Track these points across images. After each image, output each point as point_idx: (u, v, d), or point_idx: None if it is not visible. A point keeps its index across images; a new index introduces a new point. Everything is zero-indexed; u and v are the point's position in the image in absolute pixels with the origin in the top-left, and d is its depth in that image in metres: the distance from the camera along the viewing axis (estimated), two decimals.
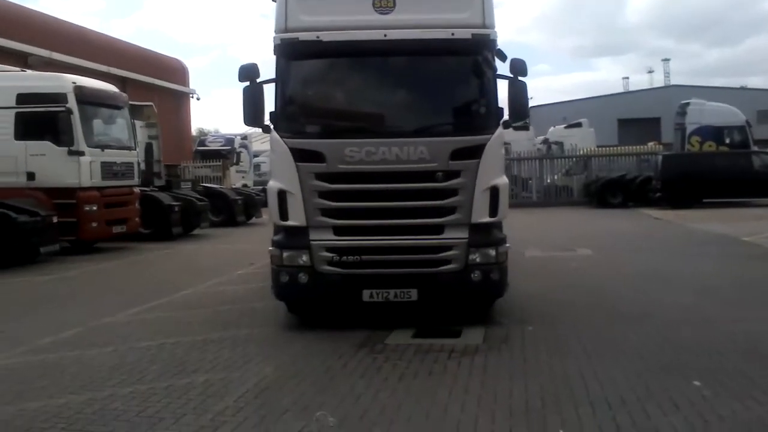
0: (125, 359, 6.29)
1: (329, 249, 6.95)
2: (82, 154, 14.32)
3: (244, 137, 35.36)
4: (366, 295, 6.94)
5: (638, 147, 30.74)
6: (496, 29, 6.97)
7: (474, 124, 6.99)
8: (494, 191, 6.91)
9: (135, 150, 16.64)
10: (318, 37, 6.84)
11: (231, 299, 9.17)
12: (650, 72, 69.59)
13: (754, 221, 17.90)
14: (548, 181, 30.88)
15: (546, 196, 29.96)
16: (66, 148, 14.18)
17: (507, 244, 7.15)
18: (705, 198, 23.13)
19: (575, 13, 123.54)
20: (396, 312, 7.21)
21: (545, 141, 33.98)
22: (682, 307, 7.88)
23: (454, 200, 6.86)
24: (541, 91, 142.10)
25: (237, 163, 33.87)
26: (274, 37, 7.00)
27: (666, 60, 70.59)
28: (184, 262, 13.77)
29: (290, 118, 7.10)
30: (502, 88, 7.07)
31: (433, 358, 6.03)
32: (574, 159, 30.61)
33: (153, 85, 30.30)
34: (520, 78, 7.01)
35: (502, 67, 7.09)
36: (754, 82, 74.11)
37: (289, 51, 6.95)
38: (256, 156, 37.34)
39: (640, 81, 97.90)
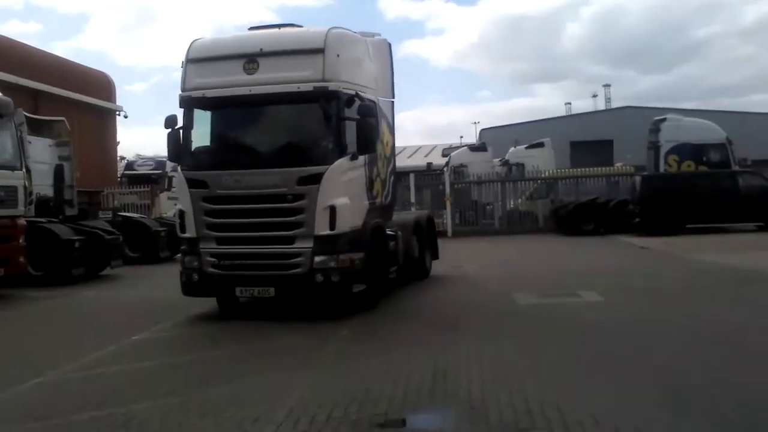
0: None
1: (212, 255, 8.88)
2: None
3: None
4: (238, 291, 8.92)
5: (608, 168, 28.37)
6: (337, 82, 8.72)
7: (316, 157, 8.71)
8: (332, 210, 8.52)
9: (20, 171, 13.09)
10: (204, 94, 8.98)
11: (103, 395, 5.91)
12: (594, 96, 68.72)
13: (759, 251, 15.49)
14: (511, 205, 28.22)
15: (509, 223, 27.19)
16: None
17: (351, 254, 8.65)
18: (688, 223, 20.84)
19: (513, 40, 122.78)
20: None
21: (505, 162, 31.44)
22: None
23: (300, 217, 8.60)
24: (484, 116, 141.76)
25: (168, 189, 30.36)
26: (179, 95, 9.13)
27: (607, 86, 70.13)
28: (69, 320, 10.36)
29: (187, 155, 9.22)
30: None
31: None
32: (539, 181, 27.97)
33: (71, 100, 26.47)
34: (366, 118, 8.87)
35: None
36: (688, 107, 73.80)
37: (186, 104, 9.14)
38: None
39: (582, 106, 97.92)
